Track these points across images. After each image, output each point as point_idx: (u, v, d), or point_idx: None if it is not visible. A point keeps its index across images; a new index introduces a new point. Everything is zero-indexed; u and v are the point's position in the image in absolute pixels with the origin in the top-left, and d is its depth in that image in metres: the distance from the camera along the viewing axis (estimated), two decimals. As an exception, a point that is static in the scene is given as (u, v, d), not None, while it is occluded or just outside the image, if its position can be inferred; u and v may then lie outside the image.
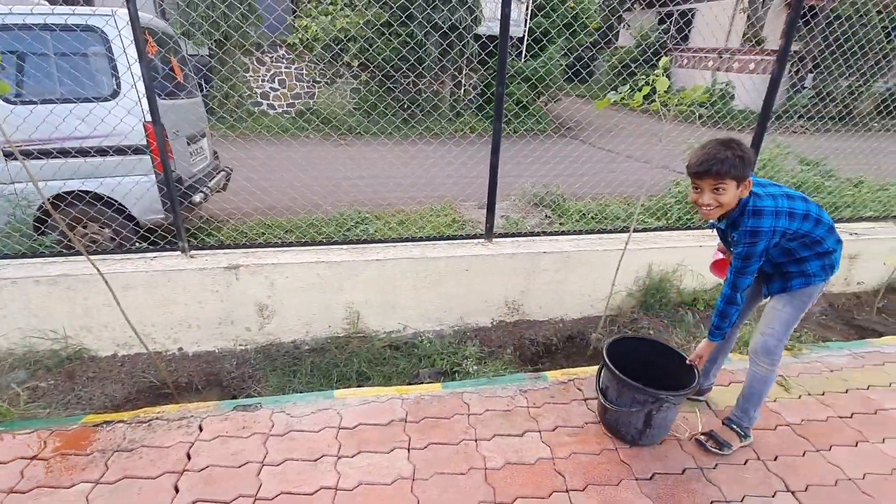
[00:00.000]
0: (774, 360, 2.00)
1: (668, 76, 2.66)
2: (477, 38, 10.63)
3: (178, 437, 2.11)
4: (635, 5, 19.40)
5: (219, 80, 9.56)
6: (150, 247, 2.97)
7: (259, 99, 10.88)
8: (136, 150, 3.36)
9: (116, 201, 3.47)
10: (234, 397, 2.64)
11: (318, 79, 10.90)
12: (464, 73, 11.51)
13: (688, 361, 2.11)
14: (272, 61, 10.69)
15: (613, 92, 2.74)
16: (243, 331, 2.91)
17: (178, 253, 2.86)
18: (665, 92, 2.58)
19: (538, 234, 3.36)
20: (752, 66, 13.74)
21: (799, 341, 3.00)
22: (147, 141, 3.42)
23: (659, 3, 18.42)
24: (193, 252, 2.87)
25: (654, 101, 2.66)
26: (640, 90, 2.64)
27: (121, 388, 2.70)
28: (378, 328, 3.09)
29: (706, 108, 10.89)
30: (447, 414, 2.28)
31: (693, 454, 2.11)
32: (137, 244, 3.57)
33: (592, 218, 4.30)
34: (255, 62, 10.58)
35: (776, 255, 1.88)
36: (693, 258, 3.39)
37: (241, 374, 2.81)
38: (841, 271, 3.74)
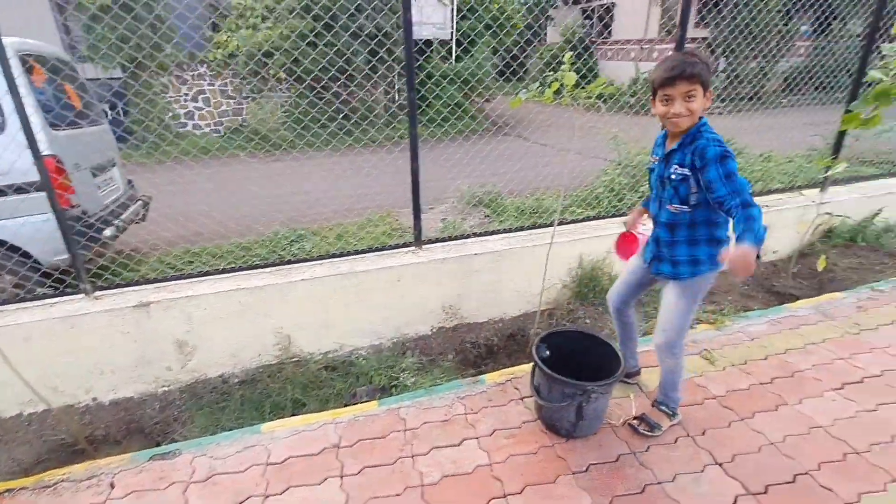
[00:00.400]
0: (677, 353, 2.03)
1: (577, 70, 2.72)
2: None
3: (87, 498, 1.93)
4: (560, 2, 20.00)
5: (134, 103, 9.02)
6: (50, 291, 2.72)
7: (183, 119, 10.34)
8: (19, 189, 3.06)
9: (7, 242, 3.17)
10: (159, 444, 2.45)
11: (245, 94, 10.50)
12: (395, 78, 11.44)
13: (722, 264, 1.76)
14: (193, 78, 10.19)
15: (525, 90, 2.78)
16: (164, 371, 2.72)
17: (81, 295, 2.63)
18: (573, 86, 2.63)
19: (468, 237, 3.35)
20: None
21: (722, 314, 3.13)
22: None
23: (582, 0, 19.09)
24: (98, 293, 2.65)
25: (563, 96, 2.72)
26: (549, 86, 2.69)
27: (29, 450, 2.46)
28: (313, 350, 2.97)
29: (634, 97, 11.36)
30: (383, 433, 2.21)
31: (626, 440, 2.15)
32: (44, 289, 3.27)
33: (525, 213, 4.35)
34: (174, 80, 10.05)
35: (687, 219, 1.86)
36: (620, 245, 3.48)
37: (164, 417, 2.62)
38: (757, 243, 3.94)
